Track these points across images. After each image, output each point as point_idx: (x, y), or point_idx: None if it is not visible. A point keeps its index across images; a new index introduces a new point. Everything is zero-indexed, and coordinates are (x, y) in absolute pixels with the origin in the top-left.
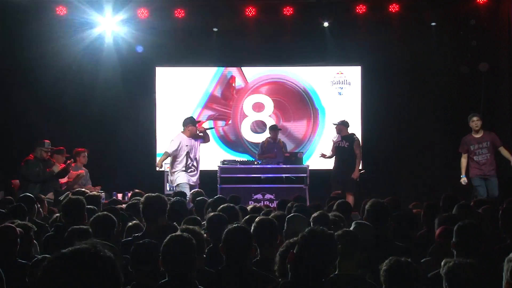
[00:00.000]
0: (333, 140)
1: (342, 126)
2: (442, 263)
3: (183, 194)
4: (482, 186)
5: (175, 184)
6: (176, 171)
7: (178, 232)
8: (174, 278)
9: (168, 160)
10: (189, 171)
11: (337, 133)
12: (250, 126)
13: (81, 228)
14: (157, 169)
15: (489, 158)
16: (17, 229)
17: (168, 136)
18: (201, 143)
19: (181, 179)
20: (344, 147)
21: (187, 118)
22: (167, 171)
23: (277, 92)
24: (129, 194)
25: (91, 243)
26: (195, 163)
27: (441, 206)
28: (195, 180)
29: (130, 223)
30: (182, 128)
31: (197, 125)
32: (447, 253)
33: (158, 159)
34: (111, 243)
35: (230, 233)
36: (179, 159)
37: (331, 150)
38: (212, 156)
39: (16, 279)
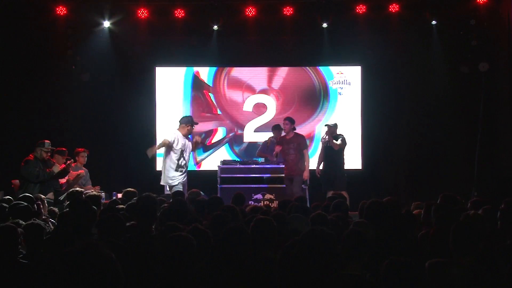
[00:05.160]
0: (321, 142)
1: (333, 128)
2: (427, 264)
3: (182, 194)
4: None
5: (170, 185)
6: (169, 170)
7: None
8: (174, 277)
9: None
10: (179, 169)
11: (327, 134)
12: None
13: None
14: (149, 156)
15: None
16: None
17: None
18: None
19: (175, 181)
20: (331, 146)
21: (186, 116)
22: None
23: (277, 92)
24: (119, 195)
25: (92, 243)
26: (186, 163)
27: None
28: (185, 180)
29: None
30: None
31: (194, 126)
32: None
33: (153, 148)
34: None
35: (227, 233)
36: (173, 155)
37: (320, 151)
38: (213, 156)
39: (17, 278)
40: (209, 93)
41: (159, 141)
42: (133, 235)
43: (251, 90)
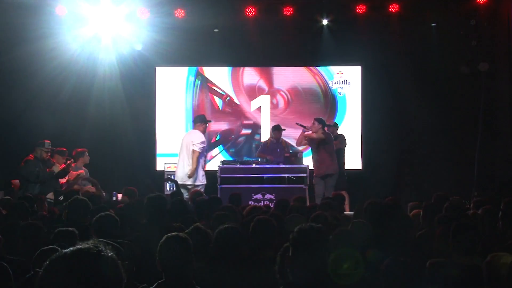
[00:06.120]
0: None
1: (334, 128)
2: (427, 264)
3: (181, 194)
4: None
5: (201, 183)
6: (200, 168)
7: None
8: (171, 278)
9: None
10: (203, 169)
11: None
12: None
13: (67, 230)
14: (192, 175)
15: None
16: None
17: (168, 136)
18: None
19: (204, 179)
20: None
21: (200, 115)
22: (168, 172)
23: (277, 92)
24: (119, 195)
25: (94, 243)
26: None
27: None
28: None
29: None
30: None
31: (208, 124)
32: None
33: (191, 167)
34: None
35: (220, 233)
36: (204, 155)
37: None
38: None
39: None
40: (212, 94)
41: (160, 149)
42: (142, 234)
43: (257, 90)
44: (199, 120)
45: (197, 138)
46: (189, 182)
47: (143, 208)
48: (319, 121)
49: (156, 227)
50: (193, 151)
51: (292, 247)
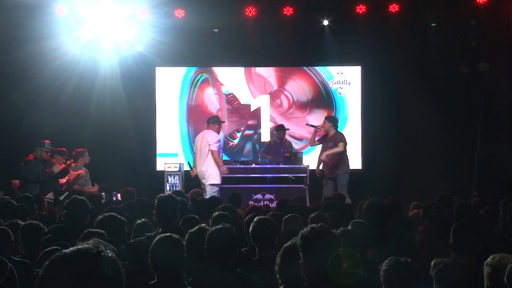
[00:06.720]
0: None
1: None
2: (432, 264)
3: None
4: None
5: (214, 182)
6: (217, 167)
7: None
8: (164, 279)
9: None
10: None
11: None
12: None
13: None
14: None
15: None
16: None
17: (168, 136)
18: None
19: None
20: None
21: (214, 116)
22: (167, 171)
23: (277, 91)
24: (118, 195)
25: (94, 243)
26: None
27: (436, 206)
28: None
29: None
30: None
31: (221, 125)
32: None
33: (217, 162)
34: (118, 243)
35: (213, 234)
36: (220, 154)
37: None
38: None
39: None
40: (214, 92)
41: (160, 149)
42: (155, 234)
43: (260, 91)
44: (213, 121)
45: (212, 138)
46: (205, 181)
47: (145, 208)
48: (330, 119)
49: (167, 228)
50: (212, 151)
51: (301, 253)
